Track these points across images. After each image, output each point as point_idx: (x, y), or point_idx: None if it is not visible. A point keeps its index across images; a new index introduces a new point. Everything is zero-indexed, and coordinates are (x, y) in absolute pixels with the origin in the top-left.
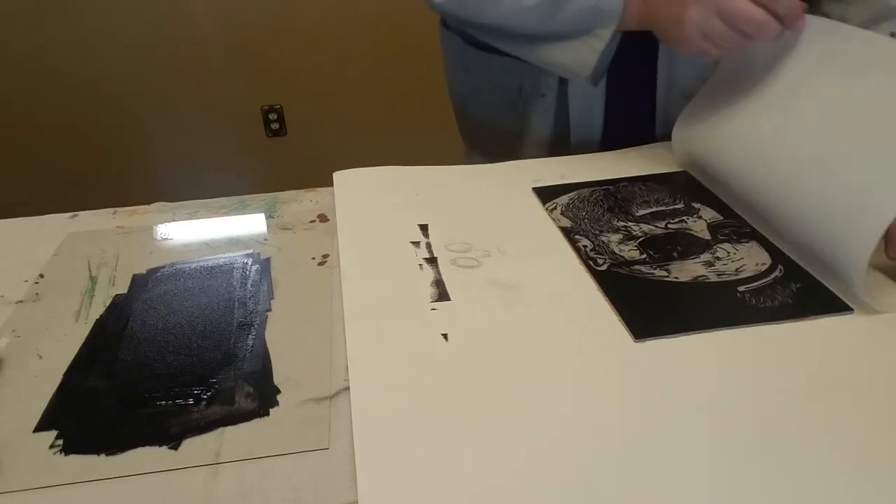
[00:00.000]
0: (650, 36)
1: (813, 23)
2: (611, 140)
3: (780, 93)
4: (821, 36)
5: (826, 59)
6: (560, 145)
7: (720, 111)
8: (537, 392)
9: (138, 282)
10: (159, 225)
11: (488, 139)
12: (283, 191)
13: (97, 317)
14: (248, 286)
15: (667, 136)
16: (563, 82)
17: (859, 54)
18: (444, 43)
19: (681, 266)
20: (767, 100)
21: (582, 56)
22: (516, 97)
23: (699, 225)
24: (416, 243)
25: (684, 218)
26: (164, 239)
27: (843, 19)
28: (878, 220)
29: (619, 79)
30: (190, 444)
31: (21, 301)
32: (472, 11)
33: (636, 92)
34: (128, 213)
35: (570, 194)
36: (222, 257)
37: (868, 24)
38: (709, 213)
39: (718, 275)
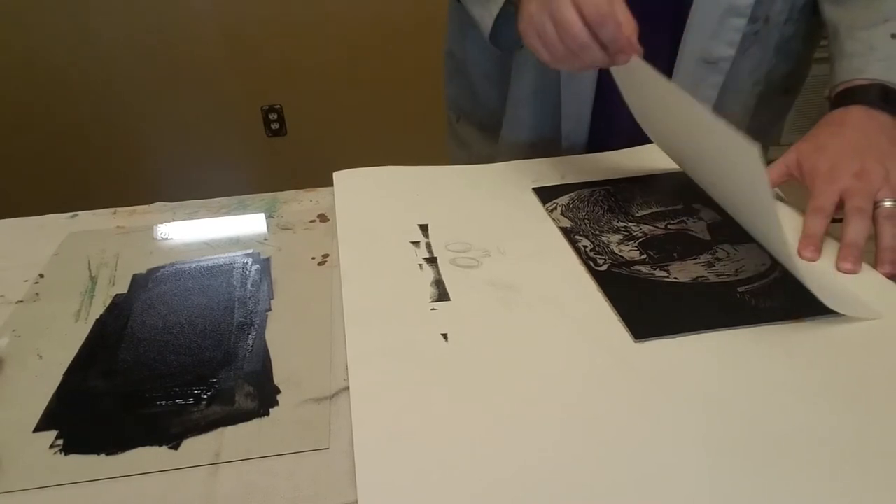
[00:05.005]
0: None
1: (637, 66)
2: (604, 98)
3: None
4: (643, 82)
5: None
6: (550, 98)
7: (647, 116)
8: (537, 392)
9: (138, 282)
10: (159, 225)
11: (477, 103)
12: (283, 191)
13: (97, 317)
14: (248, 286)
15: None
16: None
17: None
18: (449, 11)
19: (681, 267)
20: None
21: (482, 15)
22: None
23: (699, 226)
24: (416, 243)
25: (684, 219)
26: (164, 239)
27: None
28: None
29: None
30: (190, 444)
31: (21, 301)
32: None
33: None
34: (128, 212)
35: (570, 194)
36: (222, 257)
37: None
38: (709, 214)
39: (718, 275)
